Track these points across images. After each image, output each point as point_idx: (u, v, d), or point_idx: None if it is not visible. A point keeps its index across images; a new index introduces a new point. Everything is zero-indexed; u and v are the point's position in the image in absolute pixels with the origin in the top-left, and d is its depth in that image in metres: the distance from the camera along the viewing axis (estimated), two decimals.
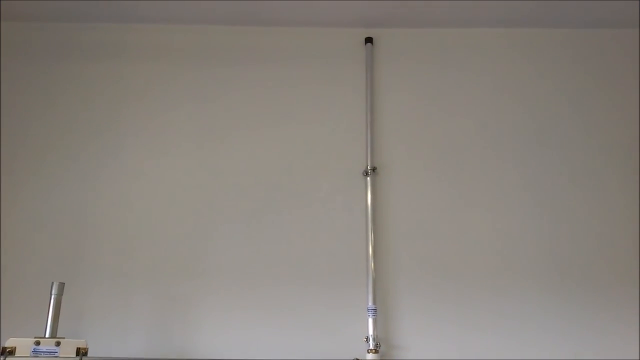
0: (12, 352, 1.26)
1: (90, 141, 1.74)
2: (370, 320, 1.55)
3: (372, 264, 1.61)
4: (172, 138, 1.75)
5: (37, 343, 1.29)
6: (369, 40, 1.86)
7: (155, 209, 1.67)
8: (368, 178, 1.70)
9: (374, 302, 1.57)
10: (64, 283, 1.35)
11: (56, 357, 1.28)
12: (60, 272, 1.52)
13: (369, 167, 1.70)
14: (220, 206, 1.68)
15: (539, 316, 1.60)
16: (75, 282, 1.48)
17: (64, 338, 1.31)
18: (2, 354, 1.25)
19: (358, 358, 1.52)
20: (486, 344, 1.57)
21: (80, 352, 1.30)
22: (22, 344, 1.27)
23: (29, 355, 1.27)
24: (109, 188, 1.69)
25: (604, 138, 1.76)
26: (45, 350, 1.28)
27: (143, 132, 1.76)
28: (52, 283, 1.35)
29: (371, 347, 1.52)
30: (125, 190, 1.68)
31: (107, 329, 1.49)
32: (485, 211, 1.70)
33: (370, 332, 1.54)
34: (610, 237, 1.66)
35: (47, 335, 1.31)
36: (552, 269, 1.64)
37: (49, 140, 1.74)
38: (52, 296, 1.34)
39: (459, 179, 1.73)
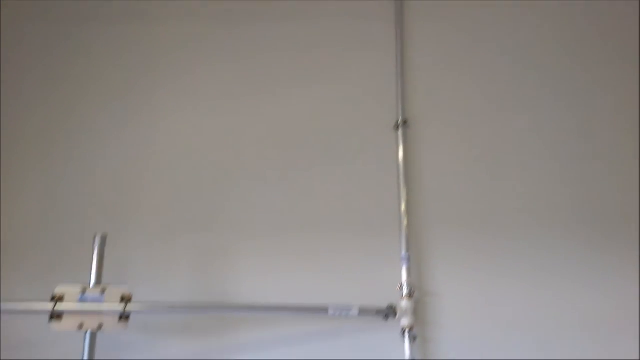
0: (61, 298, 1.32)
1: (127, 96, 1.77)
2: (404, 268, 1.57)
3: (404, 215, 1.62)
4: (205, 95, 1.78)
5: (84, 290, 1.35)
6: None
7: (192, 165, 1.71)
8: (399, 131, 1.69)
9: (407, 250, 1.58)
10: (106, 234, 1.40)
11: (102, 303, 1.34)
12: (103, 224, 1.56)
13: (399, 121, 1.70)
14: (253, 163, 1.71)
15: (569, 265, 1.59)
16: (117, 234, 1.52)
17: (109, 285, 1.37)
18: (52, 300, 1.31)
19: (392, 304, 1.54)
20: (517, 290, 1.58)
21: (125, 298, 1.36)
22: (70, 292, 1.34)
23: (76, 301, 1.33)
24: (148, 143, 1.73)
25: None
26: (91, 297, 1.34)
27: (177, 89, 1.78)
28: (95, 234, 1.40)
29: (405, 293, 1.54)
30: (163, 146, 1.72)
31: (148, 279, 1.55)
32: (516, 162, 1.69)
33: (404, 279, 1.56)
34: None
35: (92, 284, 1.36)
36: (582, 219, 1.63)
37: (87, 94, 1.77)
38: (96, 247, 1.39)
39: (490, 132, 1.72)
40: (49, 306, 1.30)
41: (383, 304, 1.54)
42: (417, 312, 1.55)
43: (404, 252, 1.58)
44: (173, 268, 1.59)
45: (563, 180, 1.68)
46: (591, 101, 1.75)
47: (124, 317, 1.35)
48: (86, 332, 1.34)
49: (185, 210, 1.65)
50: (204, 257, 1.61)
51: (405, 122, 1.70)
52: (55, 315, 1.31)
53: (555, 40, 1.81)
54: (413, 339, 1.51)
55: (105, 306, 1.33)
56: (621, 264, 1.58)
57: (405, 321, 1.52)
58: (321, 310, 1.48)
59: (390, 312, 1.53)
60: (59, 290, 1.33)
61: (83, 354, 1.33)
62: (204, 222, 1.65)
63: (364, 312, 1.50)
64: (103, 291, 1.35)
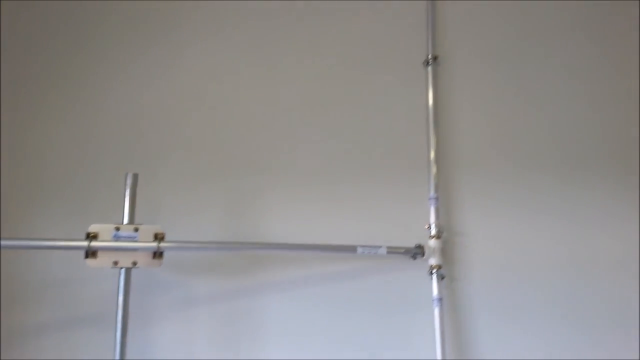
0: (95, 236, 1.34)
1: (163, 37, 1.73)
2: (432, 209, 1.56)
3: (433, 155, 1.60)
4: (240, 40, 1.73)
5: (117, 229, 1.37)
6: None
7: (224, 107, 1.69)
8: (429, 68, 1.65)
9: (436, 190, 1.57)
10: (137, 174, 1.41)
11: (135, 241, 1.36)
12: (134, 165, 1.56)
13: (429, 57, 1.65)
14: (284, 106, 1.68)
15: (599, 202, 1.58)
16: (150, 175, 1.53)
17: (141, 224, 1.38)
18: (87, 238, 1.33)
19: (420, 244, 1.55)
20: (545, 229, 1.58)
21: (158, 237, 1.38)
22: (103, 230, 1.36)
23: (110, 239, 1.35)
24: (182, 85, 1.70)
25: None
26: (125, 235, 1.36)
27: (213, 32, 1.74)
28: (127, 174, 1.40)
29: (433, 233, 1.55)
30: (197, 89, 1.69)
31: (180, 219, 1.56)
32: (549, 101, 1.65)
33: (432, 219, 1.56)
34: None
35: (125, 222, 1.38)
36: (613, 158, 1.60)
37: (126, 34, 1.73)
38: (127, 186, 1.40)
39: (522, 69, 1.68)
40: (84, 243, 1.32)
41: (411, 244, 1.55)
42: (445, 251, 1.56)
43: (432, 192, 1.57)
44: (204, 210, 1.60)
45: (596, 119, 1.64)
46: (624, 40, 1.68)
47: (158, 254, 1.37)
48: (121, 269, 1.36)
49: (217, 152, 1.65)
50: (235, 198, 1.62)
51: (435, 59, 1.66)
52: (91, 253, 1.33)
53: None
54: (441, 277, 1.53)
55: (139, 244, 1.35)
56: None
57: (433, 260, 1.54)
58: (350, 250, 1.49)
59: (418, 252, 1.54)
60: (93, 228, 1.35)
61: (118, 291, 1.36)
62: (235, 165, 1.64)
63: (392, 251, 1.52)
64: (136, 229, 1.37)
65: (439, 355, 1.47)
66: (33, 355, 1.53)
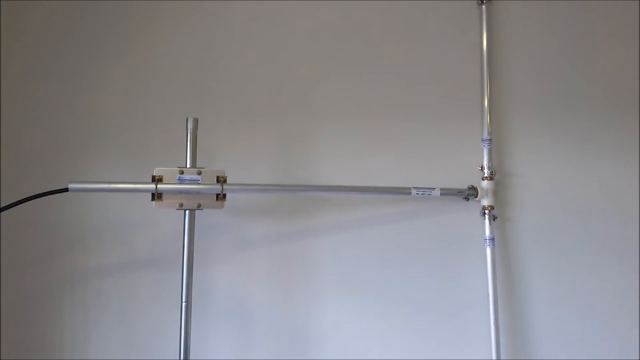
0: (160, 179, 1.36)
1: None
2: (485, 150, 1.58)
3: (487, 96, 1.60)
4: None
5: (181, 172, 1.38)
6: None
7: (275, 53, 1.66)
8: (483, 6, 1.63)
9: (489, 133, 1.58)
10: (197, 118, 1.41)
11: (199, 183, 1.38)
12: (191, 110, 1.56)
13: None
14: (335, 49, 1.66)
15: None
16: (203, 120, 1.53)
17: (203, 168, 1.40)
18: (152, 181, 1.35)
19: (473, 185, 1.57)
20: (598, 171, 1.59)
21: (220, 179, 1.40)
22: (168, 173, 1.37)
23: (175, 182, 1.37)
24: (231, 29, 1.67)
25: None
26: (188, 178, 1.38)
27: None
28: (187, 118, 1.41)
29: (486, 174, 1.56)
30: (246, 32, 1.67)
31: (234, 163, 1.57)
32: (606, 44, 1.64)
33: (485, 161, 1.57)
34: None
35: (188, 166, 1.39)
36: None
37: None
38: (189, 130, 1.40)
39: (578, 10, 1.65)
40: (152, 186, 1.33)
41: (464, 185, 1.57)
42: (497, 193, 1.58)
43: (485, 134, 1.58)
44: (257, 153, 1.61)
45: None
46: None
47: (221, 196, 1.39)
48: (185, 211, 1.38)
49: (268, 96, 1.64)
50: (288, 141, 1.62)
51: None
52: (157, 195, 1.35)
53: None
54: (493, 218, 1.55)
55: (204, 186, 1.37)
56: None
57: (485, 201, 1.56)
58: (404, 192, 1.51)
59: (471, 193, 1.56)
60: (158, 172, 1.36)
61: (184, 233, 1.39)
62: (286, 108, 1.64)
63: (445, 192, 1.54)
64: (199, 173, 1.38)
65: (490, 293, 1.51)
66: (94, 296, 1.58)
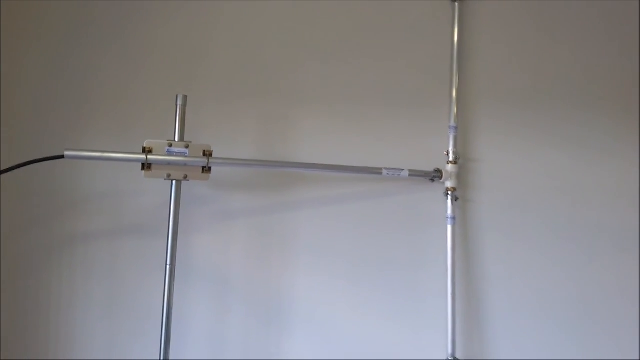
0: (150, 151, 1.46)
1: None
2: (451, 137, 1.71)
3: (455, 88, 1.73)
4: None
5: (170, 145, 1.48)
6: None
7: (259, 39, 1.77)
8: (456, 4, 1.75)
9: (455, 120, 1.71)
10: (186, 95, 1.51)
11: (186, 156, 1.48)
12: (180, 89, 1.65)
13: None
14: (315, 37, 1.78)
15: (602, 138, 1.75)
16: (192, 99, 1.63)
17: (191, 142, 1.50)
18: (143, 152, 1.45)
19: (439, 168, 1.71)
20: (553, 157, 1.74)
21: (206, 153, 1.51)
22: (157, 145, 1.47)
23: (164, 154, 1.47)
24: (218, 19, 1.77)
25: None
26: (177, 151, 1.48)
27: None
28: (177, 95, 1.50)
29: (450, 159, 1.70)
30: (233, 20, 1.77)
31: (218, 140, 1.66)
32: (567, 40, 1.78)
33: (451, 147, 1.71)
34: None
35: (176, 139, 1.50)
36: (621, 97, 1.75)
37: None
38: (178, 106, 1.50)
39: (545, 7, 1.78)
40: (142, 156, 1.44)
41: (430, 168, 1.71)
42: (460, 176, 1.72)
43: (452, 122, 1.72)
44: (240, 131, 1.72)
45: (612, 61, 1.77)
46: None
47: (206, 169, 1.50)
48: (172, 182, 1.49)
49: (252, 78, 1.74)
50: (268, 121, 1.73)
51: None
52: (147, 166, 1.45)
53: None
54: (455, 199, 1.70)
55: (191, 158, 1.48)
56: None
57: (449, 183, 1.70)
58: (376, 172, 1.64)
59: (436, 175, 1.70)
60: (148, 144, 1.46)
61: (170, 202, 1.49)
62: (268, 90, 1.75)
63: (413, 173, 1.67)
64: (187, 146, 1.49)
65: (449, 266, 1.66)
66: (81, 260, 1.68)
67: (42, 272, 1.68)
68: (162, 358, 1.47)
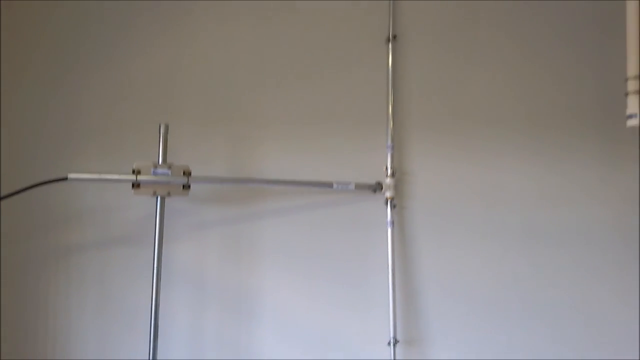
0: (139, 172, 1.74)
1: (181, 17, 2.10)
2: (389, 154, 2.04)
3: (390, 111, 2.02)
4: (236, 15, 2.11)
5: (155, 166, 1.77)
6: None
7: (227, 70, 2.08)
8: (389, 44, 2.09)
9: (392, 140, 2.05)
10: (168, 124, 1.80)
11: (169, 176, 1.77)
12: (160, 116, 1.93)
13: (390, 35, 2.07)
14: (273, 71, 2.10)
15: (510, 149, 2.04)
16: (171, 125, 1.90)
17: (172, 163, 1.79)
18: (133, 173, 1.73)
19: (379, 181, 2.05)
20: (478, 170, 2.02)
21: (186, 173, 1.80)
22: (145, 167, 1.75)
23: (150, 174, 1.76)
24: (194, 52, 2.09)
25: None
26: (161, 172, 1.77)
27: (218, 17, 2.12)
28: (160, 124, 1.79)
29: (389, 173, 2.04)
30: (206, 55, 2.09)
31: (192, 161, 1.93)
32: (491, 74, 2.06)
33: (388, 163, 2.03)
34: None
35: (160, 162, 1.78)
36: (525, 118, 2.10)
37: (150, 14, 2.11)
38: (161, 134, 1.79)
39: (469, 45, 2.07)
40: (133, 177, 1.72)
41: (372, 181, 2.05)
42: (397, 187, 2.06)
43: (389, 141, 2.05)
44: (213, 150, 2.04)
45: (528, 86, 2.05)
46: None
47: (186, 186, 1.80)
48: (157, 198, 1.78)
49: (223, 108, 2.07)
50: (236, 142, 2.04)
51: (394, 37, 2.07)
52: (136, 185, 1.73)
53: None
54: (393, 206, 2.03)
55: (175, 178, 1.77)
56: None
57: (388, 193, 2.03)
58: (327, 185, 1.97)
59: (377, 187, 2.04)
60: (136, 165, 1.74)
61: (156, 215, 1.77)
62: (236, 115, 2.07)
63: (359, 186, 2.01)
64: (169, 167, 1.78)
65: (390, 263, 1.99)
66: (74, 268, 1.94)
67: (40, 279, 1.94)
68: (150, 353, 1.73)
